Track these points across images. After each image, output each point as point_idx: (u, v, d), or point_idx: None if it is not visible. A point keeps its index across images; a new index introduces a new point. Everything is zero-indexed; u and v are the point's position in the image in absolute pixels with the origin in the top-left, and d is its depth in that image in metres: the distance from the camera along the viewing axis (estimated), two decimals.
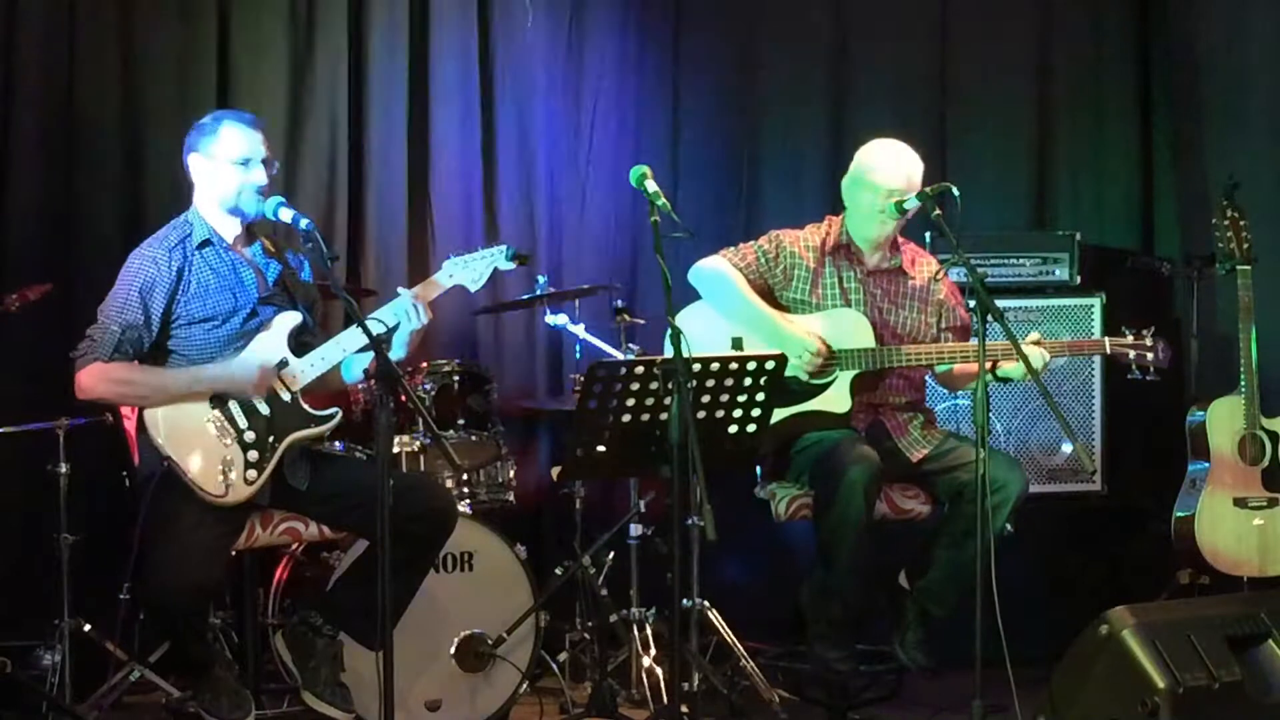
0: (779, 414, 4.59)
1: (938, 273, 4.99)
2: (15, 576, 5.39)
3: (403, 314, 4.31)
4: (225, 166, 4.32)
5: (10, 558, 5.40)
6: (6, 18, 5.43)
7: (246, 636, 4.75)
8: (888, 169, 4.85)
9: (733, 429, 4.22)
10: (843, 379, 4.81)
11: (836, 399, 4.81)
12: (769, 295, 4.92)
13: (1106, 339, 4.79)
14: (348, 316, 4.21)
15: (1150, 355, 4.69)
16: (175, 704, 4.85)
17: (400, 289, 4.39)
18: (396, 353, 4.34)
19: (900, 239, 5.03)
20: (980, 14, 6.26)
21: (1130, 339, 4.72)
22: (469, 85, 5.93)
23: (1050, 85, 6.29)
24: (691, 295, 4.94)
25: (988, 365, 4.77)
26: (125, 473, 4.48)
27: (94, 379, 4.23)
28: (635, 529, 5.15)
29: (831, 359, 4.79)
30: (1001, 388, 5.60)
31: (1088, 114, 6.30)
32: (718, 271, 4.91)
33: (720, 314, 4.87)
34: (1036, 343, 4.67)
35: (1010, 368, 4.68)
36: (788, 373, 4.44)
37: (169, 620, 4.34)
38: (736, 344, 4.81)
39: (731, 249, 4.97)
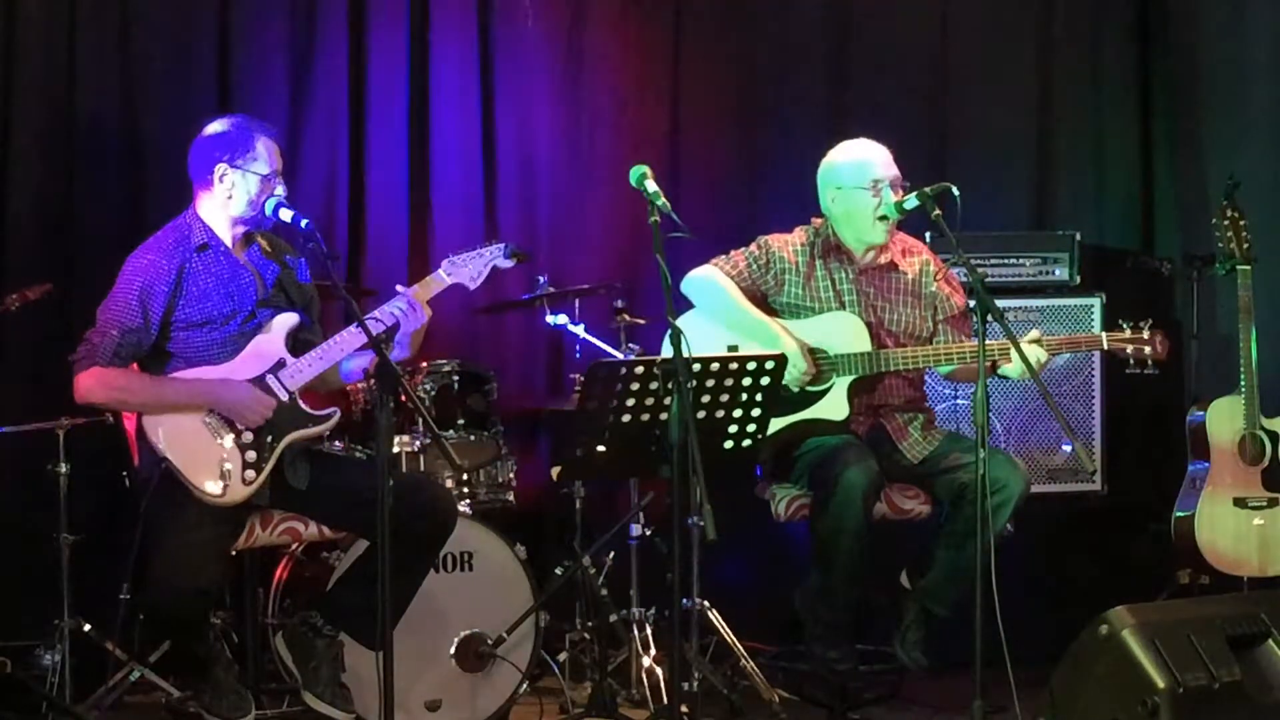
0: (777, 423, 4.59)
1: (933, 270, 4.98)
2: (15, 576, 5.39)
3: (400, 313, 4.31)
4: (255, 179, 4.32)
5: (10, 558, 5.40)
6: (6, 18, 5.43)
7: (246, 636, 4.75)
8: (870, 160, 4.84)
9: (732, 429, 4.22)
10: (839, 385, 4.80)
11: (834, 406, 4.80)
12: (762, 302, 4.92)
13: (1104, 334, 4.79)
14: (347, 316, 4.21)
15: (1148, 348, 4.69)
16: (175, 704, 4.85)
17: (399, 286, 4.40)
18: (399, 352, 4.34)
19: None
20: (980, 14, 6.26)
21: (1128, 333, 4.72)
22: (469, 86, 5.93)
23: (1050, 85, 6.29)
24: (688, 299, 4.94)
25: (987, 366, 4.79)
26: (125, 473, 4.49)
27: (92, 384, 4.24)
28: (635, 529, 5.15)
29: (820, 372, 4.78)
30: (1002, 387, 5.60)
31: (1088, 114, 6.30)
32: (710, 280, 4.91)
33: (715, 323, 4.87)
34: (1035, 341, 4.67)
35: (1009, 366, 4.69)
36: (783, 380, 4.43)
37: (169, 622, 4.34)
38: (732, 352, 4.80)
39: (722, 257, 4.96)
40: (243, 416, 4.24)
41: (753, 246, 4.97)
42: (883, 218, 4.85)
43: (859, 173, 4.84)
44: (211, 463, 4.20)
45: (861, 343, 4.81)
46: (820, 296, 4.91)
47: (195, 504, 4.18)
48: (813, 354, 4.79)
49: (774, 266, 4.93)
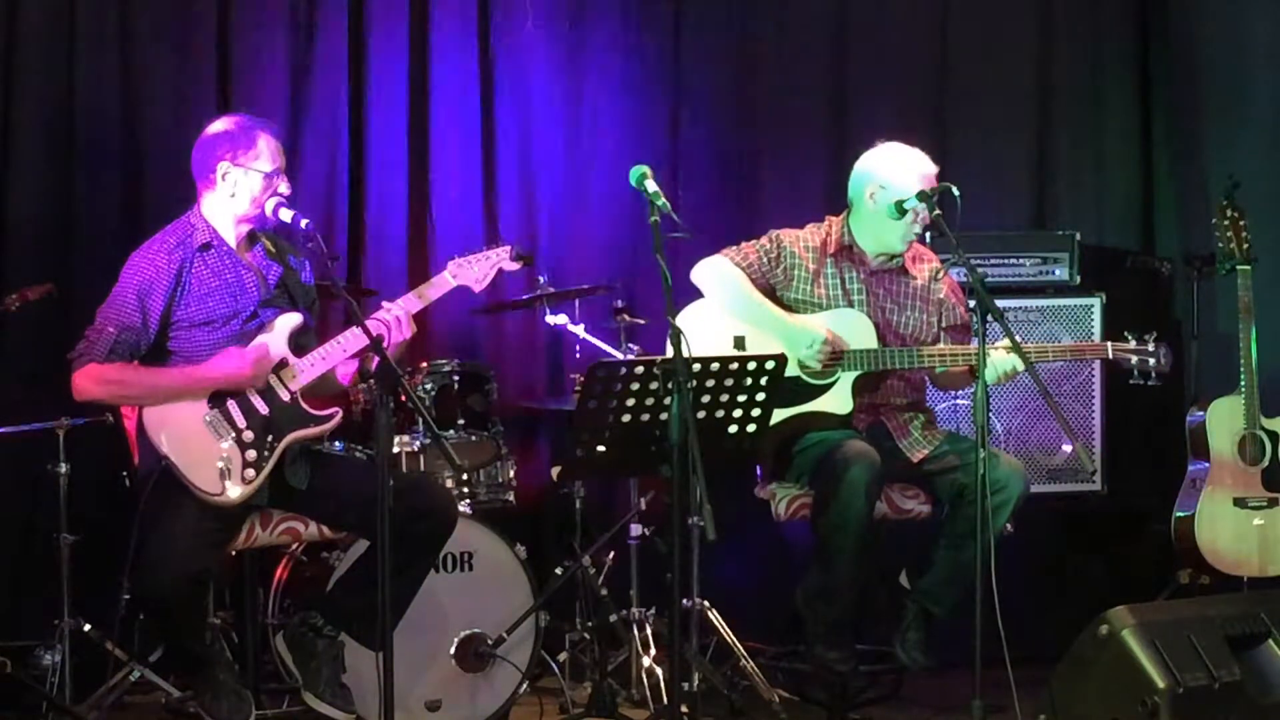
0: (780, 415, 4.58)
1: (939, 272, 4.98)
2: (15, 576, 5.40)
3: (385, 326, 4.30)
4: (257, 177, 4.32)
5: (10, 558, 5.41)
6: (6, 18, 5.44)
7: (246, 636, 4.75)
8: (924, 179, 4.81)
9: (733, 429, 4.22)
10: (844, 380, 4.80)
11: (838, 400, 4.80)
12: (771, 295, 4.91)
13: (1109, 343, 4.77)
14: (348, 317, 4.21)
15: (1152, 360, 4.68)
16: (175, 704, 4.86)
17: (385, 303, 4.39)
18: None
19: None
20: (980, 14, 6.26)
21: (1132, 344, 4.71)
22: (469, 85, 5.93)
23: (1050, 85, 6.30)
24: (691, 295, 4.93)
25: (965, 370, 4.79)
26: (125, 472, 4.49)
27: (89, 380, 4.24)
28: (635, 529, 5.15)
29: (838, 353, 4.77)
30: (1003, 387, 5.59)
31: (1088, 114, 6.30)
32: (720, 270, 4.90)
33: (724, 312, 4.86)
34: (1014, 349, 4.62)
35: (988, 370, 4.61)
36: (791, 372, 4.43)
37: (162, 613, 4.33)
38: (739, 343, 4.80)
39: (733, 248, 4.95)
40: (248, 381, 4.23)
41: (764, 239, 4.96)
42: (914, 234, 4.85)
43: (910, 188, 4.79)
44: (212, 462, 4.19)
45: (869, 340, 4.81)
46: (829, 294, 4.90)
47: (193, 501, 4.18)
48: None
49: (784, 260, 4.92)
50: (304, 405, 4.33)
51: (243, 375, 4.24)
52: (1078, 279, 5.83)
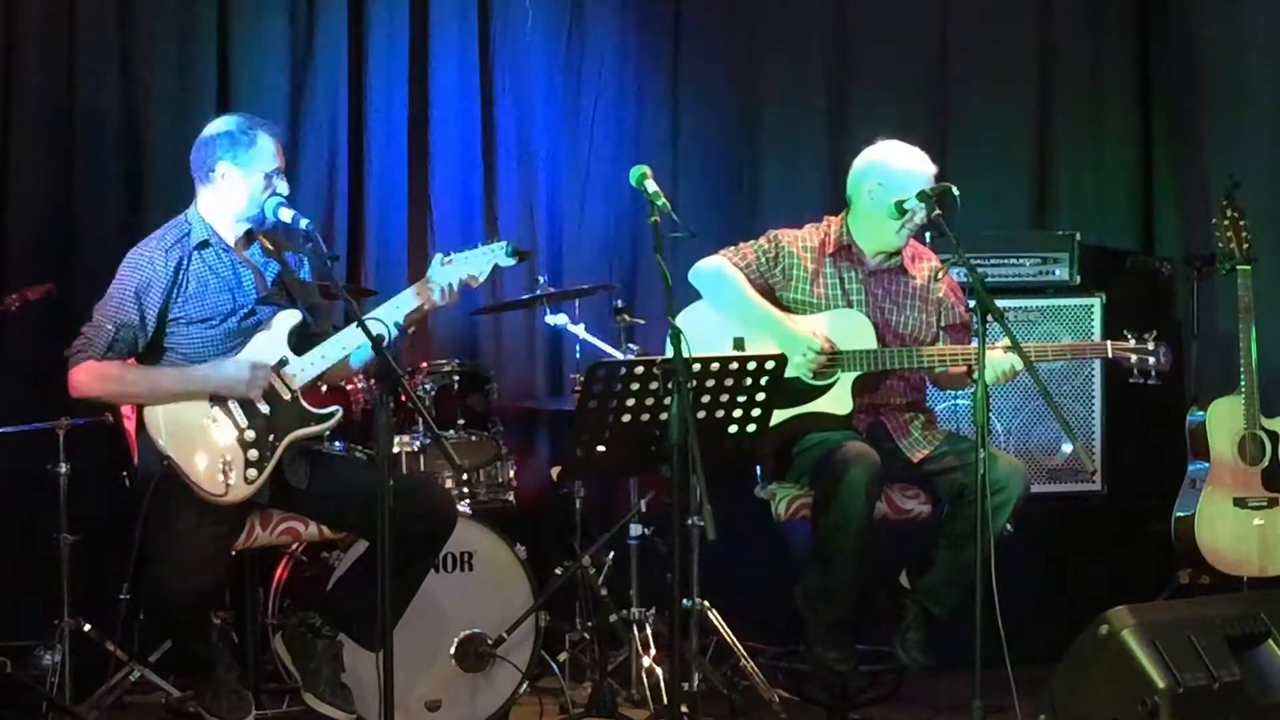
0: (780, 415, 4.59)
1: (938, 272, 4.98)
2: (15, 576, 5.40)
3: (438, 290, 4.32)
4: (258, 177, 4.33)
5: (10, 558, 5.41)
6: (6, 17, 5.44)
7: (246, 636, 4.75)
8: (924, 179, 4.80)
9: (733, 429, 4.22)
10: (844, 380, 4.80)
11: (838, 400, 4.80)
12: (770, 295, 4.91)
13: (1108, 342, 4.78)
14: (347, 316, 4.21)
15: (1152, 360, 4.68)
16: (175, 704, 4.86)
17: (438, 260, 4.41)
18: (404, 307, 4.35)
19: None
20: (980, 13, 6.26)
21: (1132, 343, 4.71)
22: (469, 85, 5.93)
23: (1050, 85, 6.29)
24: (691, 295, 4.93)
25: (965, 370, 4.78)
26: (125, 473, 4.48)
27: (86, 377, 4.23)
28: (635, 529, 5.15)
29: (835, 357, 4.77)
30: (1003, 387, 5.59)
31: (1088, 114, 6.29)
32: (719, 271, 4.90)
33: (722, 314, 4.86)
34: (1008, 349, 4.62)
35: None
36: (789, 374, 4.43)
37: (170, 622, 4.34)
38: (738, 344, 4.80)
39: (731, 249, 4.95)
40: (244, 392, 4.23)
41: (763, 239, 4.96)
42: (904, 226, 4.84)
43: (908, 185, 4.79)
44: (214, 461, 4.19)
45: (868, 340, 4.81)
46: (827, 295, 4.90)
47: (196, 503, 4.17)
48: None
49: (783, 261, 4.92)
50: (305, 404, 4.33)
51: (240, 383, 4.23)
52: (1078, 279, 5.83)
